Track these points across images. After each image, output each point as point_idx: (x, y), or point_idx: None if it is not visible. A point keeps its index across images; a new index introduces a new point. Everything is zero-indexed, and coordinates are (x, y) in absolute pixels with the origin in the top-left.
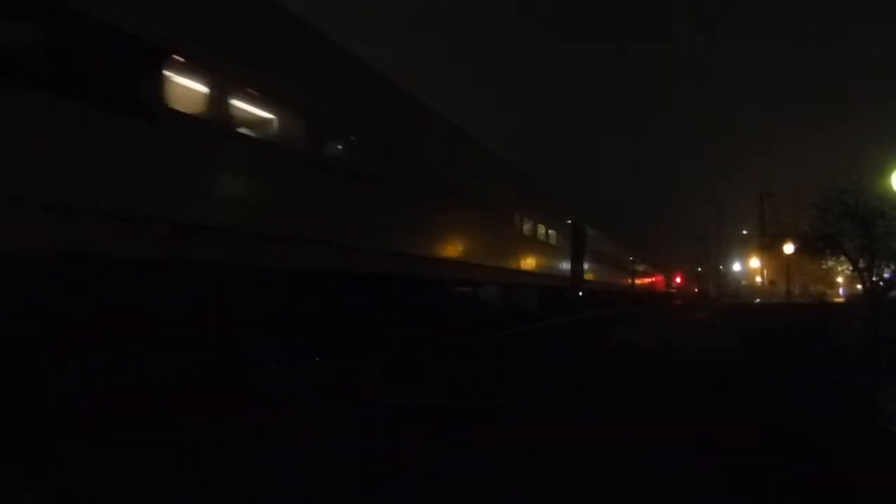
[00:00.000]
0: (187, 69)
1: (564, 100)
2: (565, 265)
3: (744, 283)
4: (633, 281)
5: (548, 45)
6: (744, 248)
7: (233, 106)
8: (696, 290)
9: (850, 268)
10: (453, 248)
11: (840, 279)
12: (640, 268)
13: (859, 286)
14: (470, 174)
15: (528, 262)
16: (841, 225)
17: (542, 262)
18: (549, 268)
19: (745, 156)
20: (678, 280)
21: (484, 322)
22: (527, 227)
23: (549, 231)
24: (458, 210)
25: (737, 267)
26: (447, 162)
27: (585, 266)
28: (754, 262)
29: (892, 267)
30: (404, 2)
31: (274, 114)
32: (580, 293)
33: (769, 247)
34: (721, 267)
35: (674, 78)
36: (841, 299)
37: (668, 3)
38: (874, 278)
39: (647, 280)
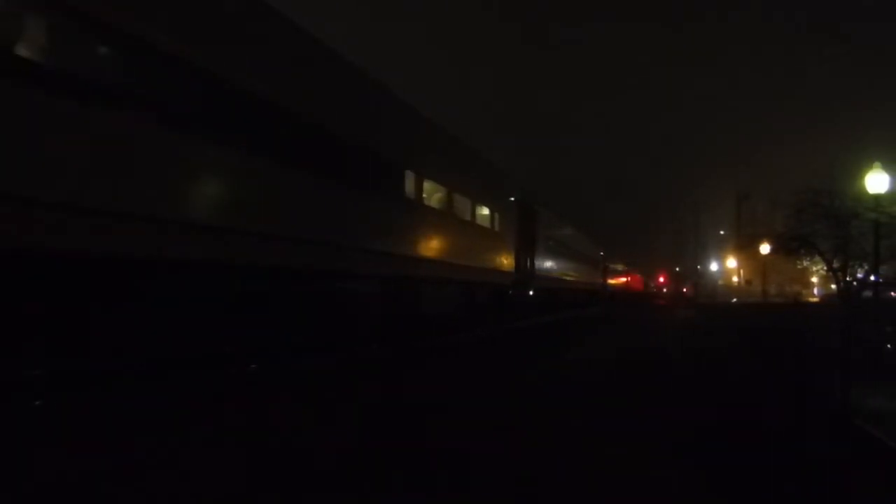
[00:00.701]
0: None
1: (540, 98)
2: (508, 256)
3: (721, 282)
4: (604, 279)
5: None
6: (721, 248)
7: None
8: (674, 290)
9: (825, 268)
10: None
11: (815, 279)
12: (614, 265)
13: (833, 286)
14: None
15: (439, 247)
16: (816, 226)
17: (468, 248)
18: (482, 258)
19: (722, 157)
20: (660, 280)
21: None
22: (436, 195)
23: (480, 208)
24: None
25: (714, 267)
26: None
27: (538, 258)
28: (731, 262)
29: (866, 267)
30: None
31: None
32: (530, 292)
33: (746, 247)
34: (699, 267)
35: (652, 77)
36: (816, 299)
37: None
38: (847, 278)
39: (622, 279)
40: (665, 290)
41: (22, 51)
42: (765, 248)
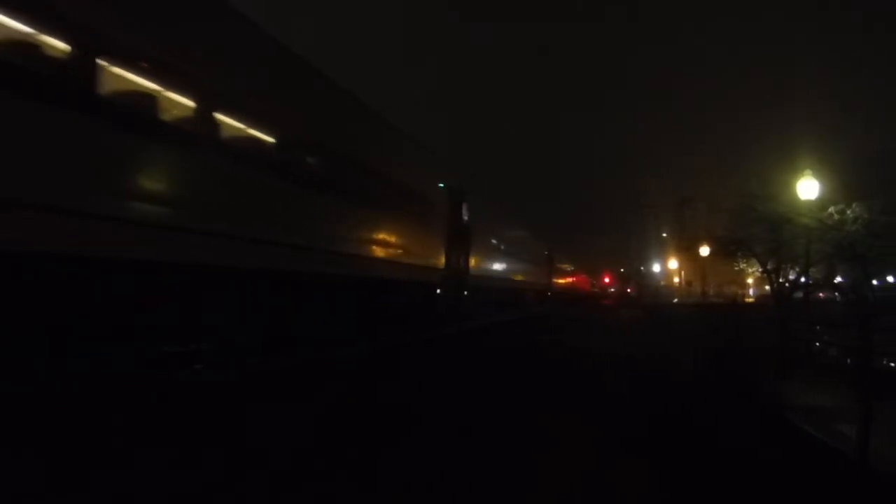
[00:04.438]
0: None
1: (493, 100)
2: (436, 251)
3: (663, 283)
4: (550, 279)
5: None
6: (663, 250)
7: None
8: (619, 290)
9: (760, 270)
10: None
11: (750, 280)
12: (560, 264)
13: (767, 287)
14: None
15: (336, 235)
16: (752, 229)
17: (380, 238)
18: (399, 251)
19: (665, 161)
20: (606, 281)
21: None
22: (329, 166)
23: (391, 191)
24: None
25: (657, 268)
26: None
27: (475, 255)
28: (673, 264)
29: (797, 269)
30: None
31: None
32: (465, 291)
33: (687, 249)
34: (642, 268)
35: (597, 76)
36: (752, 299)
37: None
38: (781, 280)
39: (570, 279)
40: (611, 290)
41: None
42: (704, 251)
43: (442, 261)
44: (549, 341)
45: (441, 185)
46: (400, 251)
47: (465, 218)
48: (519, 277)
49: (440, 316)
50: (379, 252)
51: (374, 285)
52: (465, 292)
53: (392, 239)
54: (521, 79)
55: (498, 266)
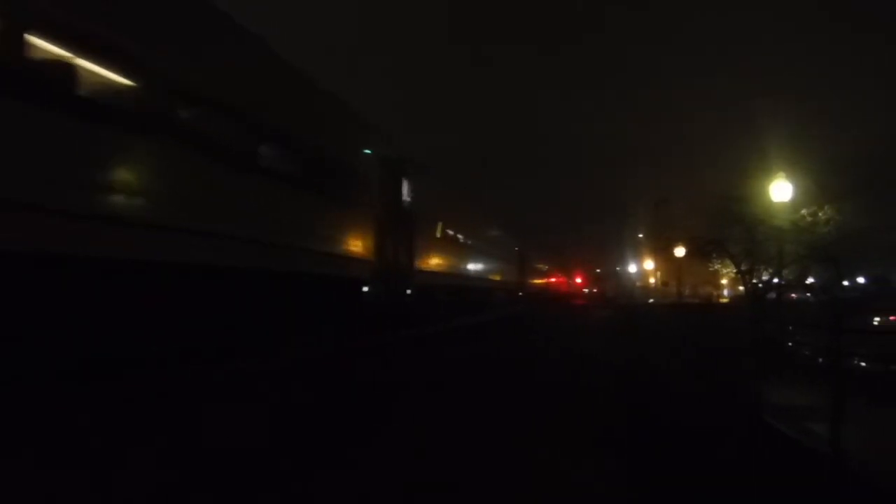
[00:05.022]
0: None
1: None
2: (363, 238)
3: (639, 284)
4: (522, 278)
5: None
6: (639, 251)
7: None
8: (596, 291)
9: (735, 270)
10: None
11: (725, 281)
12: (538, 265)
13: (742, 287)
14: None
15: (197, 211)
16: (727, 230)
17: (269, 217)
18: (301, 235)
19: (644, 162)
20: (577, 280)
21: None
22: (174, 101)
23: (285, 151)
24: None
25: (633, 269)
26: None
27: (422, 246)
28: (649, 265)
29: (771, 270)
30: None
31: None
32: (408, 290)
33: (663, 250)
34: (618, 268)
35: (576, 80)
36: (726, 299)
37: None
38: (755, 280)
39: (547, 280)
40: (587, 290)
41: None
42: (680, 251)
43: (371, 251)
44: (514, 350)
45: (368, 151)
46: (301, 234)
47: (407, 199)
48: (486, 276)
49: (369, 321)
50: (266, 233)
51: (262, 280)
52: (409, 291)
53: (284, 216)
54: (495, 76)
55: (459, 262)
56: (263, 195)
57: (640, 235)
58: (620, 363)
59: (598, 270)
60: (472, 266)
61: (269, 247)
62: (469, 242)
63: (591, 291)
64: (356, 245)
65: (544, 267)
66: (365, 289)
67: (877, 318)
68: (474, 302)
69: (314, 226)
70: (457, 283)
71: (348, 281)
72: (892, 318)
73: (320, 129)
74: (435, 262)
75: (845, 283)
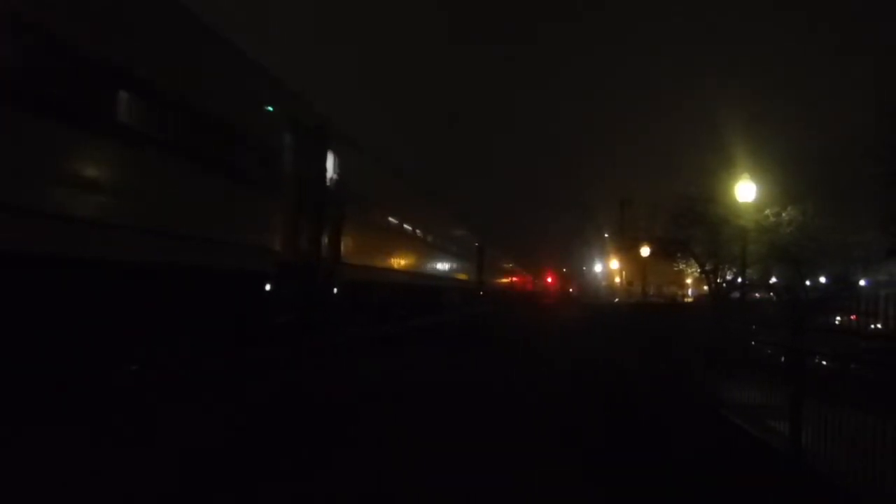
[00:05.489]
0: None
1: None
2: (261, 221)
3: (604, 283)
4: (482, 276)
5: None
6: (605, 251)
7: None
8: (561, 290)
9: (699, 270)
10: None
11: (689, 280)
12: (497, 261)
13: (706, 287)
14: None
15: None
16: (691, 231)
17: (120, 191)
18: (177, 216)
19: (609, 163)
20: (548, 280)
21: None
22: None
23: (145, 109)
24: None
25: (598, 268)
26: None
27: (352, 234)
28: (614, 264)
29: (735, 270)
30: None
31: None
32: (334, 289)
33: (628, 249)
34: (584, 268)
35: (542, 80)
36: (690, 299)
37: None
38: (718, 280)
39: (511, 279)
40: (553, 290)
41: None
42: (645, 251)
43: (279, 238)
44: (450, 370)
45: (270, 108)
46: (181, 218)
47: (334, 177)
48: (439, 273)
49: (279, 326)
50: (132, 217)
51: (132, 276)
52: (335, 289)
53: (155, 195)
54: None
55: (404, 257)
56: (91, 155)
57: (606, 235)
58: (589, 358)
59: (563, 270)
60: (422, 262)
61: (105, 228)
62: (419, 234)
63: (556, 291)
64: (252, 230)
65: (508, 265)
66: (268, 287)
67: (838, 318)
68: (423, 303)
69: (172, 200)
70: (400, 281)
71: (236, 276)
72: (852, 317)
73: (191, 73)
74: (371, 255)
75: (807, 282)
